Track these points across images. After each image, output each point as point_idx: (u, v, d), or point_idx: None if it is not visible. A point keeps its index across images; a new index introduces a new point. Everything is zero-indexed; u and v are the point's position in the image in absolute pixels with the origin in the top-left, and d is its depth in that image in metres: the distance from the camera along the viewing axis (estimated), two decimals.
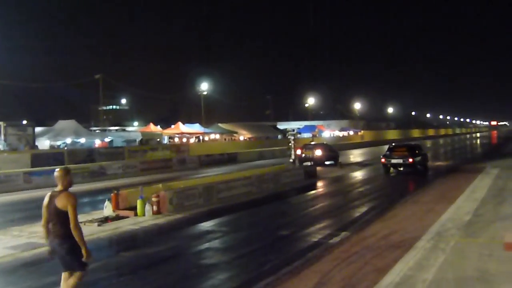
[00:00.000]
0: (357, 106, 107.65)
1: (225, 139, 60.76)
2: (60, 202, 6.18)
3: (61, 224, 6.16)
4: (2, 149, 32.53)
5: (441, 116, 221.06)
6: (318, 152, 32.77)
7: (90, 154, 33.52)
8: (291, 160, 28.35)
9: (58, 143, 42.82)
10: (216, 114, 76.21)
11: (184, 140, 54.67)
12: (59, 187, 6.38)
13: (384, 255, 9.23)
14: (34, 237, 11.56)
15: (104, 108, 77.31)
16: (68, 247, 6.17)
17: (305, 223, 13.12)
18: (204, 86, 63.80)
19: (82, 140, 44.84)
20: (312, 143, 38.50)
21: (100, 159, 32.25)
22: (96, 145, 44.46)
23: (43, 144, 41.09)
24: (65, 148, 39.43)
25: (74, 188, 20.21)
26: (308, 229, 12.21)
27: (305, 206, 16.41)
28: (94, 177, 27.28)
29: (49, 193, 6.37)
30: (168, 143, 51.14)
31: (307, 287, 7.46)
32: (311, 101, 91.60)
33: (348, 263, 8.80)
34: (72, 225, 6.06)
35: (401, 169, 26.04)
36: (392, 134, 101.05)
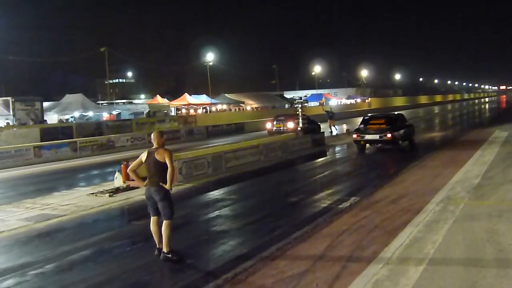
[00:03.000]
0: (364, 73, 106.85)
1: (231, 110, 60.69)
2: (159, 156, 7.57)
3: (158, 174, 7.54)
4: (11, 124, 32.68)
5: (449, 82, 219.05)
6: (291, 125, 28.45)
7: (98, 127, 33.68)
8: (298, 129, 28.32)
9: (66, 117, 42.96)
10: (223, 85, 75.91)
11: (191, 111, 54.66)
12: (155, 146, 7.74)
13: (394, 219, 9.28)
14: (46, 208, 11.72)
15: (111, 81, 77.17)
16: (163, 194, 7.54)
17: (314, 189, 13.20)
18: (210, 57, 63.40)
19: (90, 114, 44.96)
20: (283, 114, 34.44)
21: (108, 132, 32.43)
22: (104, 118, 44.58)
23: (52, 118, 41.26)
24: (74, 122, 39.57)
25: (83, 161, 20.46)
26: (317, 195, 12.29)
27: (313, 173, 16.48)
28: (103, 149, 27.46)
29: (146, 151, 7.74)
30: (175, 114, 51.15)
31: (317, 251, 7.54)
32: (317, 69, 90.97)
33: (358, 227, 8.87)
34: (170, 169, 7.50)
35: (379, 145, 20.96)
36: (400, 101, 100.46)
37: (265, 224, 9.65)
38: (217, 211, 10.83)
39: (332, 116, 34.30)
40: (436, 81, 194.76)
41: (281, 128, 29.96)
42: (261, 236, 8.79)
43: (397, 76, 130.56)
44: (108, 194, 13.02)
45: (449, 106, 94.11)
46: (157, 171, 7.55)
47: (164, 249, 7.50)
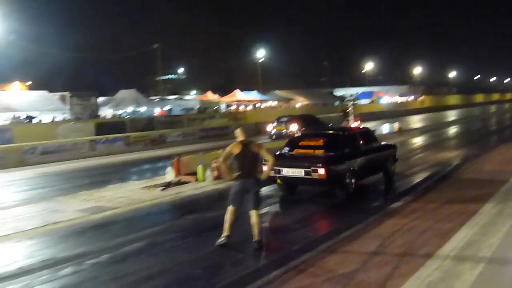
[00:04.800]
0: (417, 71, 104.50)
1: (281, 106, 60.65)
2: (256, 148, 8.00)
3: (254, 167, 7.97)
4: (68, 118, 33.78)
5: (507, 80, 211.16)
6: (294, 127, 24.45)
7: (150, 123, 34.34)
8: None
9: (120, 112, 44.04)
10: (273, 81, 75.90)
11: (242, 107, 54.94)
12: (240, 139, 7.99)
13: (447, 220, 9.07)
14: (101, 200, 12.06)
15: (162, 77, 78.50)
16: (259, 185, 8.07)
17: (364, 188, 13.01)
18: (261, 54, 63.55)
19: (142, 109, 45.95)
20: (287, 115, 29.64)
21: (159, 127, 33.01)
22: (156, 114, 45.43)
23: (106, 113, 42.39)
24: (127, 117, 40.51)
25: (135, 155, 20.90)
26: (368, 194, 12.15)
27: None
28: (154, 144, 28.00)
29: (235, 144, 7.94)
30: (225, 111, 51.56)
31: (368, 250, 7.46)
32: (369, 66, 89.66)
33: (410, 227, 8.71)
34: (271, 161, 8.20)
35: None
36: (454, 100, 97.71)
37: (314, 222, 9.61)
38: (266, 208, 10.81)
39: (348, 117, 30.91)
40: (493, 79, 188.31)
41: (283, 131, 26.13)
42: (310, 234, 8.77)
43: (452, 74, 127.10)
44: (160, 188, 13.27)
45: (506, 105, 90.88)
46: (254, 163, 7.97)
47: (257, 237, 7.77)
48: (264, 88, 64.17)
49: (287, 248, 7.94)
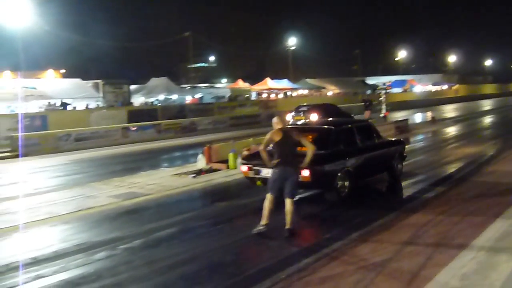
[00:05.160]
0: (452, 59, 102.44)
1: (312, 95, 60.31)
2: (297, 136, 7.95)
3: (294, 154, 7.97)
4: (100, 105, 34.27)
5: None
6: (314, 117, 22.55)
7: (181, 110, 34.57)
8: (381, 115, 27.70)
9: (151, 99, 44.44)
10: (304, 70, 75.51)
11: (272, 96, 54.83)
12: (279, 126, 7.94)
13: (482, 211, 8.89)
14: (134, 187, 12.21)
15: (193, 66, 78.84)
16: (297, 173, 8.12)
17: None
18: (292, 42, 63.18)
19: (174, 97, 46.28)
20: (308, 104, 27.55)
21: (191, 115, 33.22)
22: (187, 102, 45.70)
23: (138, 100, 42.84)
24: (158, 104, 40.87)
25: (166, 143, 21.08)
26: (401, 183, 11.98)
27: None
28: (186, 132, 28.19)
29: (276, 131, 7.88)
30: (256, 99, 51.54)
31: (400, 240, 7.37)
32: (402, 54, 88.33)
33: (443, 218, 8.57)
34: (311, 149, 7.99)
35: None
36: (489, 88, 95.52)
37: (346, 211, 9.53)
38: (298, 195, 10.78)
39: (369, 106, 29.86)
40: None
41: (301, 121, 23.14)
42: (342, 222, 8.71)
43: (488, 62, 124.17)
44: (191, 175, 13.35)
45: None
46: (294, 151, 7.97)
47: (289, 225, 7.76)
48: (295, 76, 63.89)
49: (319, 236, 7.92)
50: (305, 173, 9.07)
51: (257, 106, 41.58)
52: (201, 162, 14.47)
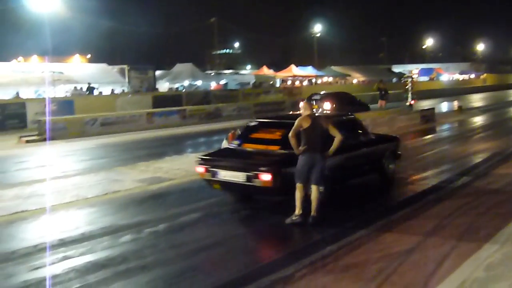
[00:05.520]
0: (480, 47, 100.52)
1: (337, 82, 59.89)
2: (325, 123, 7.90)
3: (322, 141, 7.85)
4: (126, 91, 34.57)
5: None
6: (327, 106, 21.80)
7: (206, 96, 34.67)
8: (407, 104, 27.35)
9: (176, 85, 44.67)
10: (329, 57, 74.96)
11: (297, 83, 54.60)
12: (307, 113, 7.90)
13: (508, 202, 8.77)
14: (159, 172, 12.33)
15: (218, 52, 78.95)
16: (325, 160, 7.91)
17: (422, 167, 12.73)
18: (318, 28, 62.67)
19: (198, 83, 46.42)
20: (322, 92, 26.59)
21: (215, 101, 33.30)
22: (212, 88, 45.82)
23: (162, 86, 43.10)
24: (183, 90, 41.05)
25: (191, 129, 21.15)
26: (426, 173, 11.87)
27: (422, 150, 15.90)
28: (210, 118, 28.25)
29: (304, 117, 7.82)
30: (280, 86, 51.40)
31: (425, 229, 7.32)
32: (429, 42, 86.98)
33: (469, 208, 8.48)
34: (339, 137, 7.86)
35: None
36: None
37: (370, 199, 9.50)
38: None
39: (385, 95, 28.35)
40: None
41: (314, 110, 24.58)
42: (366, 210, 8.68)
43: None
44: None
45: None
46: (323, 138, 7.84)
47: (314, 213, 7.76)
48: (320, 63, 63.46)
49: (342, 224, 7.90)
50: (266, 177, 7.78)
51: (282, 93, 41.45)
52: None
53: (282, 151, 8.38)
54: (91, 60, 50.92)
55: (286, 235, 7.51)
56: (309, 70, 58.93)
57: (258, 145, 8.92)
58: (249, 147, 9.01)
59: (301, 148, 7.78)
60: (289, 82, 55.05)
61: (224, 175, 8.41)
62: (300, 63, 60.56)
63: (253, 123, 9.88)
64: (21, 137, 20.21)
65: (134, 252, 6.81)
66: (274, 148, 8.62)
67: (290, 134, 7.84)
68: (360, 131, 10.15)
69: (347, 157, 9.19)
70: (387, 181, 10.59)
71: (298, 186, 7.78)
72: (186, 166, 12.91)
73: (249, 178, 8.02)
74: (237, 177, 8.20)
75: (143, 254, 6.72)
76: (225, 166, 8.47)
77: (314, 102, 22.82)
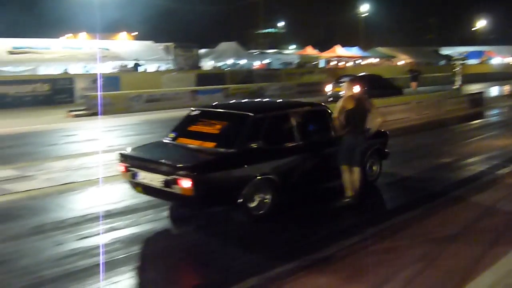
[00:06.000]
0: None
1: (382, 63, 58.82)
2: (368, 105, 7.67)
3: (365, 122, 7.67)
4: (171, 68, 34.92)
5: None
6: (356, 89, 20.78)
7: (249, 75, 34.68)
8: (455, 87, 26.66)
9: (220, 64, 44.80)
10: (375, 38, 73.56)
11: (342, 63, 53.90)
12: (350, 93, 7.71)
13: None
14: None
15: (262, 31, 78.58)
16: (366, 141, 7.80)
17: (469, 152, 12.44)
18: (364, 8, 61.50)
19: (242, 62, 46.44)
20: (350, 74, 25.79)
21: (258, 80, 33.26)
22: (255, 67, 45.77)
23: (206, 64, 43.31)
24: (227, 69, 41.15)
25: None
26: (472, 159, 11.58)
27: (468, 135, 15.53)
28: (253, 97, 28.27)
29: (347, 98, 7.65)
30: (324, 66, 50.87)
31: (471, 215, 7.19)
32: (480, 24, 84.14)
33: None
34: (380, 118, 7.76)
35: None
36: None
37: (413, 183, 9.37)
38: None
39: (417, 77, 27.96)
40: None
41: (341, 92, 23.36)
42: (409, 194, 8.58)
43: None
44: None
45: None
46: (364, 119, 7.67)
47: (350, 193, 7.71)
48: (366, 44, 62.34)
49: (384, 207, 7.85)
50: (185, 183, 6.17)
51: (325, 73, 41.03)
52: None
53: (218, 149, 6.84)
54: (137, 38, 51.53)
55: (326, 216, 7.50)
56: (354, 51, 58.05)
57: (193, 140, 7.23)
58: (183, 142, 7.35)
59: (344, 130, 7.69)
60: (333, 63, 54.40)
61: (144, 177, 6.87)
62: (346, 44, 59.64)
63: (194, 112, 8.07)
64: (69, 111, 20.77)
65: (176, 226, 6.97)
66: (209, 145, 6.96)
67: (334, 115, 7.76)
68: (331, 126, 8.16)
69: (310, 158, 7.69)
70: (367, 182, 8.59)
71: (344, 168, 7.71)
72: None
73: (167, 183, 6.40)
74: (156, 180, 6.60)
75: (184, 229, 6.87)
76: (144, 166, 6.90)
77: (340, 85, 22.40)
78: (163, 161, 6.69)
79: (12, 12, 57.13)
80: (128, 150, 7.52)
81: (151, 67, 36.09)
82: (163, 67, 35.91)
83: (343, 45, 57.62)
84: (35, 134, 15.84)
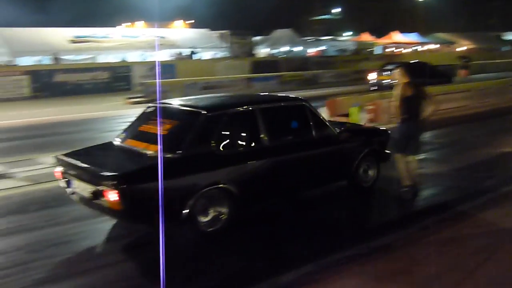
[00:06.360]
0: None
1: (441, 50, 57.11)
2: (424, 92, 7.43)
3: (421, 111, 7.38)
4: (226, 56, 35.16)
5: None
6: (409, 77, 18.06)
7: (303, 63, 34.49)
8: None
9: (275, 51, 44.73)
10: (435, 23, 71.38)
11: (399, 50, 52.65)
12: (404, 80, 7.44)
13: None
14: None
15: (317, 17, 77.82)
16: (423, 130, 7.69)
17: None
18: None
19: (297, 49, 46.21)
20: (395, 62, 24.50)
21: (313, 68, 33.02)
22: (310, 54, 45.44)
23: (261, 52, 43.36)
24: (281, 56, 41.04)
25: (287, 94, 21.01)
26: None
27: None
28: (307, 84, 28.13)
29: (405, 85, 7.40)
30: (381, 53, 49.89)
31: None
32: None
33: None
34: (433, 106, 7.38)
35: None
36: None
37: (473, 173, 9.04)
38: (424, 154, 10.41)
39: (467, 65, 26.98)
40: None
41: (385, 81, 21.51)
42: (468, 184, 8.28)
43: None
44: None
45: None
46: (421, 107, 7.41)
47: (411, 183, 7.51)
48: (425, 30, 60.61)
49: (442, 196, 7.63)
50: (111, 196, 5.22)
51: (381, 60, 40.22)
52: (323, 114, 14.41)
53: (160, 154, 5.60)
54: (193, 26, 52.05)
55: (383, 205, 7.38)
56: (412, 37, 56.65)
57: (140, 142, 6.18)
58: (131, 144, 6.31)
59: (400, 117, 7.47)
60: (390, 49, 53.21)
61: (77, 186, 5.96)
62: (404, 30, 58.21)
63: (150, 108, 6.93)
64: (127, 98, 21.28)
65: None
66: (153, 148, 5.81)
67: (396, 103, 7.48)
68: (315, 124, 6.90)
69: (278, 163, 6.38)
70: (360, 189, 7.62)
71: (400, 157, 7.52)
72: None
73: (95, 195, 5.52)
74: (86, 191, 5.71)
75: None
76: (76, 173, 5.94)
77: (387, 73, 21.80)
78: (92, 168, 5.76)
79: (74, 2, 58.93)
80: (66, 154, 6.40)
81: (206, 55, 36.44)
82: (219, 54, 36.18)
83: (401, 31, 56.29)
84: (95, 120, 16.37)
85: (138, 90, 23.47)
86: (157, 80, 21.92)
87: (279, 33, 47.12)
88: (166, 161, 5.38)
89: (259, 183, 6.26)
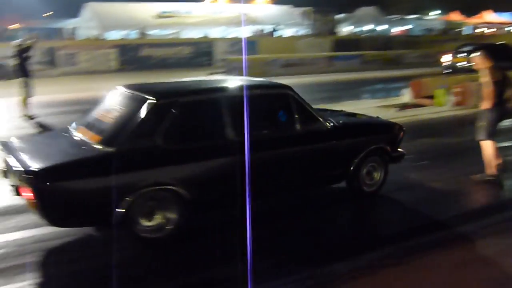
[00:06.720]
0: None
1: None
2: (509, 78, 7.17)
3: (508, 97, 7.13)
4: (308, 33, 34.85)
5: None
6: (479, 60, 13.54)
7: (387, 42, 33.57)
8: None
9: (358, 30, 43.82)
10: None
11: (492, 30, 49.88)
12: (489, 64, 7.08)
13: None
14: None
15: None
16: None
17: None
18: None
19: (381, 28, 45.02)
20: (473, 43, 23.50)
21: (397, 47, 32.04)
22: (394, 33, 44.13)
23: (344, 30, 42.60)
24: (365, 35, 40.12)
25: (369, 74, 20.73)
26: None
27: None
28: (389, 64, 27.33)
29: (493, 69, 7.06)
30: (471, 33, 47.55)
31: None
32: None
33: None
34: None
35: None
36: None
37: None
38: (508, 142, 9.85)
39: None
40: None
41: (459, 63, 20.10)
42: None
43: None
44: (395, 108, 13.05)
45: None
46: (507, 91, 7.12)
47: (494, 169, 7.22)
48: None
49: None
50: (26, 193, 4.67)
51: (470, 41, 38.36)
52: (406, 96, 14.02)
53: (96, 146, 4.98)
54: (276, 2, 51.84)
55: (465, 191, 7.10)
56: (507, 16, 53.45)
57: (88, 131, 5.40)
58: (80, 132, 5.49)
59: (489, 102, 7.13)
60: (480, 30, 50.54)
61: (11, 178, 5.28)
62: (499, 8, 54.95)
63: (113, 91, 5.91)
64: (209, 73, 21.64)
65: None
66: (95, 139, 5.12)
67: (488, 89, 7.06)
68: (296, 117, 5.92)
69: (244, 163, 5.10)
70: (361, 192, 6.50)
71: (490, 144, 7.19)
72: (366, 112, 12.31)
73: (16, 191, 5.07)
74: (15, 182, 5.09)
75: None
76: (10, 165, 5.12)
77: (463, 54, 20.60)
78: (20, 159, 4.96)
79: None
80: (13, 140, 5.73)
81: (288, 32, 36.24)
82: (301, 32, 35.90)
83: (495, 10, 53.24)
84: None
85: (219, 66, 23.79)
86: (244, 56, 22.10)
87: (363, 11, 46.06)
88: (97, 155, 4.85)
89: (219, 186, 5.33)
